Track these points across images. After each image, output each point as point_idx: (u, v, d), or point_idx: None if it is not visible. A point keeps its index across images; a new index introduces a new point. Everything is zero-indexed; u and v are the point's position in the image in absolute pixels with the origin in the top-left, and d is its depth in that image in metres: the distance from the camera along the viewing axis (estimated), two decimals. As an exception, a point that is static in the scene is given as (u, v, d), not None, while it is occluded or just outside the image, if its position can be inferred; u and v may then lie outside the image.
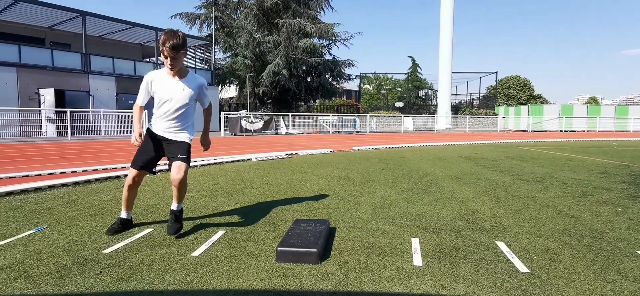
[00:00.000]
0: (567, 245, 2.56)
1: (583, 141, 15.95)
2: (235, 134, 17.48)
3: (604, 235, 2.78)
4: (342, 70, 30.80)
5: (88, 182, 4.77)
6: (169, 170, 2.81)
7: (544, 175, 5.79)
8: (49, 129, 14.92)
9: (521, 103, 39.32)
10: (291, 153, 8.67)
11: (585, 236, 2.75)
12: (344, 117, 22.95)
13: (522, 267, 2.18)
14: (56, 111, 14.40)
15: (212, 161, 6.92)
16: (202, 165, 6.58)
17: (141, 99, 2.82)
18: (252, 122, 18.07)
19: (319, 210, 3.55)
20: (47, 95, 15.74)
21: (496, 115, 29.05)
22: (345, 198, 4.06)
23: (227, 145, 11.92)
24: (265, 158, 7.67)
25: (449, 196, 4.16)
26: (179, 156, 2.75)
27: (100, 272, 2.09)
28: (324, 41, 30.12)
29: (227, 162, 7.10)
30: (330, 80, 30.64)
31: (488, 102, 37.05)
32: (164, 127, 2.80)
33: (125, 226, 2.86)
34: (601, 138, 17.78)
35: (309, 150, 9.39)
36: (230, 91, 32.76)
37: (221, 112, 18.23)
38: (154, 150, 2.82)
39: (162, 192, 4.31)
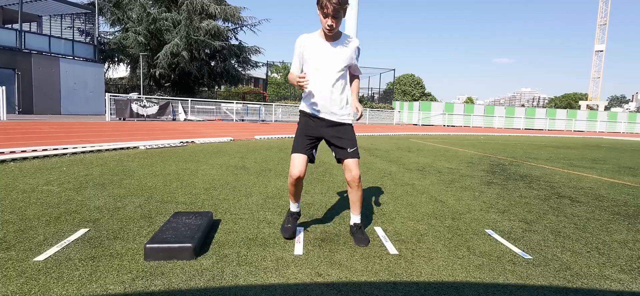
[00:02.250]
0: (432, 227, 2.85)
1: (460, 135, 18.39)
2: (124, 119, 15.68)
3: (462, 216, 3.18)
4: (249, 56, 30.02)
5: None
6: (310, 160, 2.47)
7: (424, 164, 6.46)
8: None
9: (414, 99, 43.58)
10: (187, 142, 8.10)
11: (447, 218, 3.11)
12: (248, 105, 22.42)
13: (392, 249, 2.35)
14: None
15: (88, 148, 6.05)
16: (74, 154, 5.70)
17: (296, 67, 2.42)
18: (144, 106, 16.43)
19: (206, 201, 3.35)
20: None
21: (393, 109, 31.66)
22: (237, 188, 3.91)
23: (112, 130, 10.59)
24: (155, 146, 7.01)
25: (340, 185, 4.32)
26: (350, 150, 2.42)
27: None
28: (230, 24, 28.89)
29: (107, 149, 6.28)
30: (235, 66, 29.58)
31: (386, 97, 40.13)
32: (321, 104, 2.38)
33: (297, 220, 2.59)
34: (473, 133, 20.74)
35: (207, 139, 8.90)
36: (119, 71, 29.24)
37: (106, 93, 16.15)
38: (315, 133, 2.46)
39: (11, 184, 3.59)
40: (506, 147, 11.44)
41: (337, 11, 2.17)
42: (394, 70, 38.92)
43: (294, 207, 2.57)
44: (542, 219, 3.19)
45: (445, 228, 2.84)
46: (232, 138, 9.54)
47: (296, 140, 2.48)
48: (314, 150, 2.50)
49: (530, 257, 2.31)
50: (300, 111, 2.54)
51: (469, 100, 69.32)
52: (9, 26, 18.99)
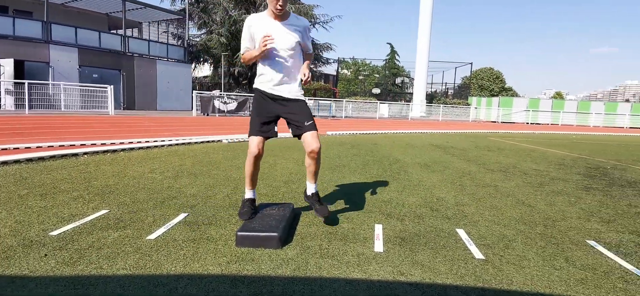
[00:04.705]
0: (521, 232, 2.65)
1: (547, 133, 16.66)
2: (207, 114, 17.06)
3: (556, 223, 2.90)
4: (320, 53, 30.52)
5: (42, 159, 4.51)
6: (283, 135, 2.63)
7: (507, 165, 5.99)
8: (8, 102, 14.04)
9: (493, 95, 40.49)
10: (263, 136, 8.54)
11: (539, 224, 2.86)
12: (320, 101, 22.86)
13: (478, 254, 2.24)
14: (15, 83, 13.53)
15: (180, 141, 6.72)
16: (170, 145, 6.37)
17: (244, 48, 2.52)
18: (225, 103, 17.68)
19: (286, 194, 3.51)
20: (7, 66, 14.77)
21: (469, 105, 29.80)
22: (313, 182, 4.03)
23: (198, 125, 11.61)
24: (236, 140, 7.53)
25: (416, 183, 4.22)
26: (307, 123, 2.51)
27: (45, 255, 1.98)
28: (302, 23, 29.64)
29: (196, 142, 6.91)
30: (307, 63, 30.30)
31: (462, 92, 37.89)
32: (273, 82, 2.50)
33: (254, 206, 2.62)
34: (563, 132, 18.63)
35: (281, 134, 9.28)
36: (204, 70, 31.83)
37: (193, 91, 17.71)
38: (271, 111, 2.56)
39: (123, 171, 4.14)
40: (606, 147, 10.08)
41: None
42: (471, 63, 36.66)
43: (249, 194, 2.63)
44: (659, 233, 2.77)
45: (537, 235, 2.61)
46: (305, 134, 9.83)
47: (252, 122, 2.56)
48: (272, 129, 2.58)
49: (645, 275, 2.03)
50: (255, 89, 2.59)
51: (558, 95, 62.27)
52: (114, 32, 21.79)
